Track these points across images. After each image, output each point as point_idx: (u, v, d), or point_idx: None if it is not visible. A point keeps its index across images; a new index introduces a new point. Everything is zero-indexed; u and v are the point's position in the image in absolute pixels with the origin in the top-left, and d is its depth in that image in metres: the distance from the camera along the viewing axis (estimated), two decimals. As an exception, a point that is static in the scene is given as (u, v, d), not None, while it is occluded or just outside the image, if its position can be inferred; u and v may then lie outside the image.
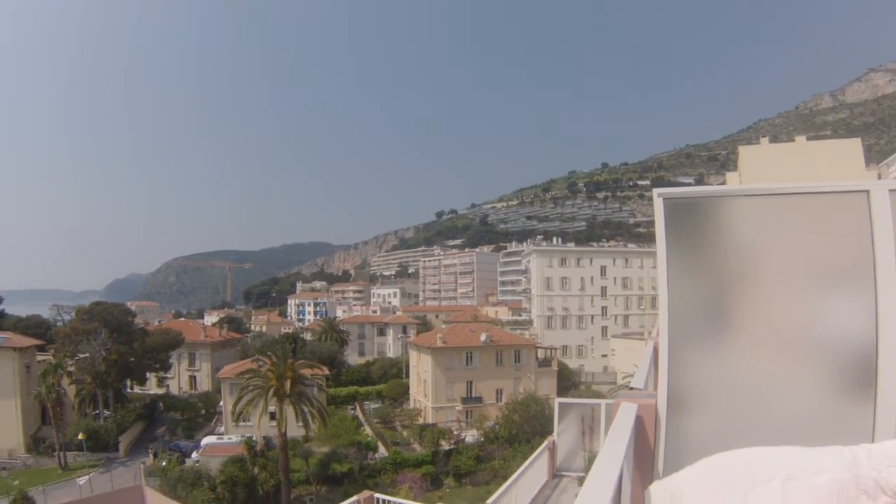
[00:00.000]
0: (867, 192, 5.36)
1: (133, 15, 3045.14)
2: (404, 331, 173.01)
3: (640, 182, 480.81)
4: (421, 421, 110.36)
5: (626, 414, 5.74)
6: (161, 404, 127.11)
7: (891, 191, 5.30)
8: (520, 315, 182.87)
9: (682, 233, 5.79)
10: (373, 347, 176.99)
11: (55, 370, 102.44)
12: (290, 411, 76.13)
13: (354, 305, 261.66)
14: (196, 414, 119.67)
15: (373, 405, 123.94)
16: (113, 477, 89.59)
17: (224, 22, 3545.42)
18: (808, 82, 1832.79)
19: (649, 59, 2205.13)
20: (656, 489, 4.81)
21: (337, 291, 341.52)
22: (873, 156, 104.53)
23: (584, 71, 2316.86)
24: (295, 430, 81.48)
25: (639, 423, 5.79)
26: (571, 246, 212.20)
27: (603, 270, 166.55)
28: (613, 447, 4.78)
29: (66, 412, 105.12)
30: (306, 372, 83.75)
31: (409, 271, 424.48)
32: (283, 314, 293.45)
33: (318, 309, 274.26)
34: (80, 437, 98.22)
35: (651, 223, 6.25)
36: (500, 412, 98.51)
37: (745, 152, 65.83)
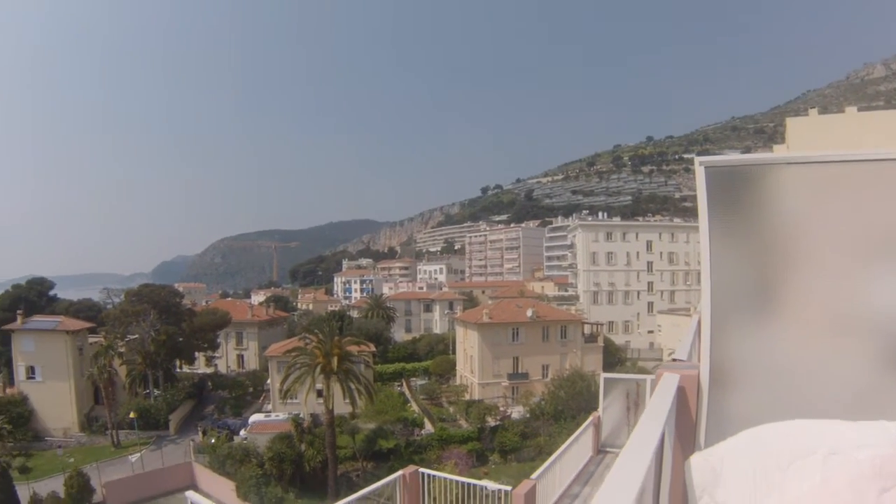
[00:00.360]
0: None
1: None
2: (451, 307, 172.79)
3: (685, 155, 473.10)
4: (467, 397, 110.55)
5: (667, 384, 5.65)
6: (209, 383, 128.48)
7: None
8: (566, 290, 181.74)
9: (725, 203, 5.65)
10: (419, 324, 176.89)
11: (106, 351, 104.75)
12: (336, 388, 76.37)
13: (401, 282, 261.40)
14: (244, 392, 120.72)
15: (419, 381, 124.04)
16: (163, 454, 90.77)
17: None
18: (860, 51, 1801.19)
19: (693, 31, 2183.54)
20: (696, 460, 4.74)
21: (383, 268, 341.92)
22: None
23: (628, 45, 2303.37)
24: (342, 406, 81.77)
25: (681, 394, 5.70)
26: (617, 220, 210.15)
27: (649, 245, 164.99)
28: (654, 416, 4.70)
29: (117, 392, 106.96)
30: (353, 349, 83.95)
31: (455, 247, 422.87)
32: (330, 292, 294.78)
33: (364, 286, 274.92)
34: (132, 415, 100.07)
35: (697, 197, 6.10)
36: (546, 388, 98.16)
37: (792, 124, 64.47)
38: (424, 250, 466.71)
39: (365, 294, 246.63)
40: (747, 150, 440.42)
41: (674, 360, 6.96)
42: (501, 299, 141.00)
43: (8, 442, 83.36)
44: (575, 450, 23.58)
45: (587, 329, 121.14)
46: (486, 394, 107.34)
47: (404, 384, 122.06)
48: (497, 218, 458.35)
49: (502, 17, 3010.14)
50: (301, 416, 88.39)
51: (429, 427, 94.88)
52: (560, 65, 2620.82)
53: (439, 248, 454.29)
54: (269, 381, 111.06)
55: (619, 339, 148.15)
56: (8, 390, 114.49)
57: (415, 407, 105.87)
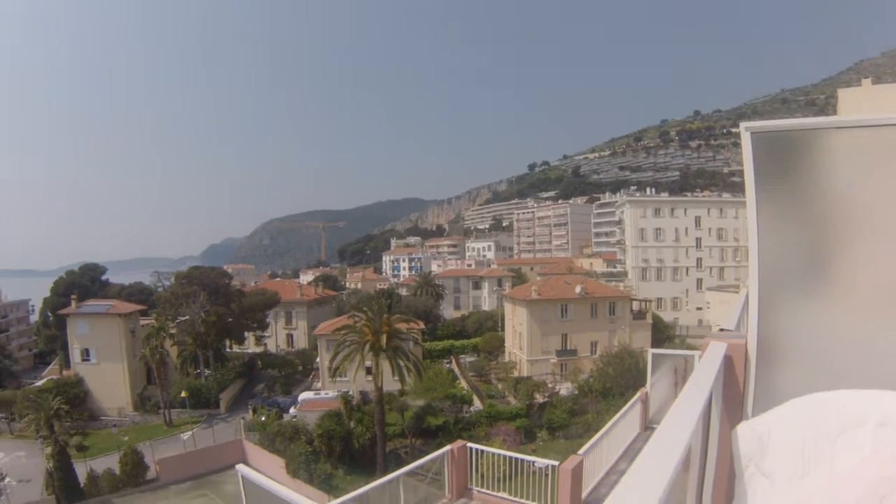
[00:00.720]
0: None
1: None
2: (499, 284, 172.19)
3: (733, 130, 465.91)
4: (516, 374, 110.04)
5: (714, 352, 5.56)
6: (259, 362, 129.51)
7: None
8: (614, 267, 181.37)
9: (773, 171, 5.51)
10: (468, 301, 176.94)
11: (158, 333, 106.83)
12: (385, 366, 76.53)
13: (449, 260, 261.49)
14: (293, 371, 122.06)
15: (468, 359, 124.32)
16: (214, 432, 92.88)
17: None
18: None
19: (740, 1, 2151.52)
20: (744, 430, 4.67)
21: (431, 246, 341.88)
22: None
23: (674, 18, 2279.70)
24: (391, 384, 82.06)
25: (727, 363, 5.61)
26: (665, 196, 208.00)
27: (697, 221, 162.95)
28: (700, 384, 4.62)
29: (169, 372, 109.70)
30: (402, 326, 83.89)
31: (503, 224, 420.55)
32: (378, 270, 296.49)
33: (412, 264, 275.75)
34: (183, 395, 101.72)
35: (743, 165, 5.90)
36: (595, 365, 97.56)
37: (844, 95, 63.29)
38: (472, 228, 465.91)
39: (413, 272, 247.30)
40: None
41: (721, 330, 6.84)
42: (550, 276, 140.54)
43: (65, 422, 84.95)
44: (622, 426, 23.51)
45: (635, 306, 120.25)
46: (534, 370, 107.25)
47: (453, 361, 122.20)
48: (545, 195, 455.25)
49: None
50: (350, 393, 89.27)
51: (477, 404, 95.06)
52: (605, 40, 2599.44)
53: (487, 226, 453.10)
54: (318, 359, 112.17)
55: (667, 315, 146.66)
56: (65, 372, 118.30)
57: (464, 384, 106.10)
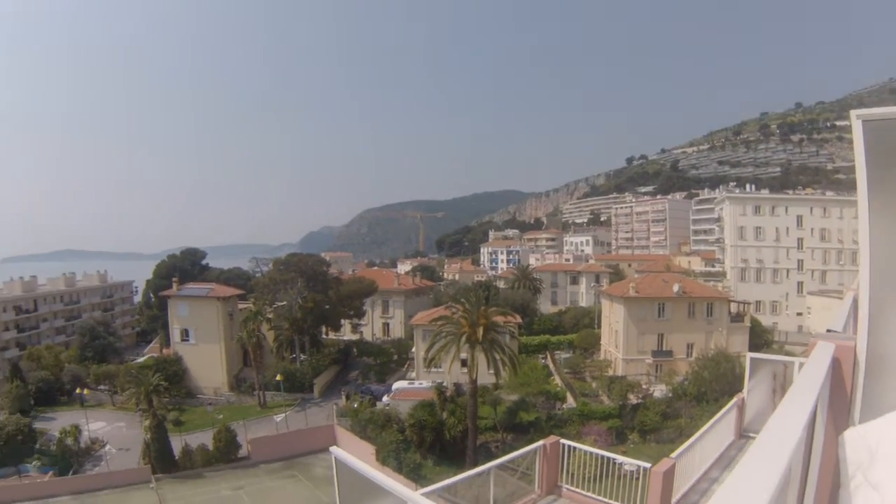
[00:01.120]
0: None
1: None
2: (597, 280, 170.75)
3: (838, 123, 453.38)
4: (610, 372, 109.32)
5: (822, 353, 5.26)
6: (355, 350, 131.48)
7: None
8: (713, 266, 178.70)
9: (888, 163, 5.19)
10: (565, 296, 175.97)
11: (255, 317, 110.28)
12: (481, 358, 76.54)
13: (547, 253, 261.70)
14: (388, 359, 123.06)
15: (563, 355, 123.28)
16: (307, 416, 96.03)
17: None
18: None
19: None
20: (851, 437, 4.40)
21: (529, 239, 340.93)
22: None
23: (774, 5, 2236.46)
24: (485, 377, 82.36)
25: (835, 366, 5.31)
26: (765, 193, 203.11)
27: (799, 220, 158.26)
28: (806, 386, 4.35)
29: (265, 355, 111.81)
30: (499, 319, 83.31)
31: (601, 219, 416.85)
32: (476, 262, 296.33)
33: (510, 257, 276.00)
34: (278, 378, 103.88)
35: (852, 169, 5.51)
36: (690, 367, 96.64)
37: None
38: (570, 221, 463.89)
39: (511, 265, 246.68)
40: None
41: (828, 331, 6.51)
42: (647, 273, 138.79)
43: (164, 397, 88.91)
44: (716, 432, 22.87)
45: (733, 308, 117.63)
46: (629, 370, 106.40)
47: (548, 357, 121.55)
48: (643, 189, 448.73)
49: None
50: (444, 384, 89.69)
51: (570, 401, 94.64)
52: (702, 31, 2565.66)
53: (585, 220, 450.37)
54: (413, 349, 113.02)
55: (765, 319, 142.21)
56: (164, 351, 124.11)
57: (558, 380, 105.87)
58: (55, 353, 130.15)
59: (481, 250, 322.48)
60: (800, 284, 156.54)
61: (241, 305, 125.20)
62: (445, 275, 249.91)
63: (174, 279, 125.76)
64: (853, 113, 5.37)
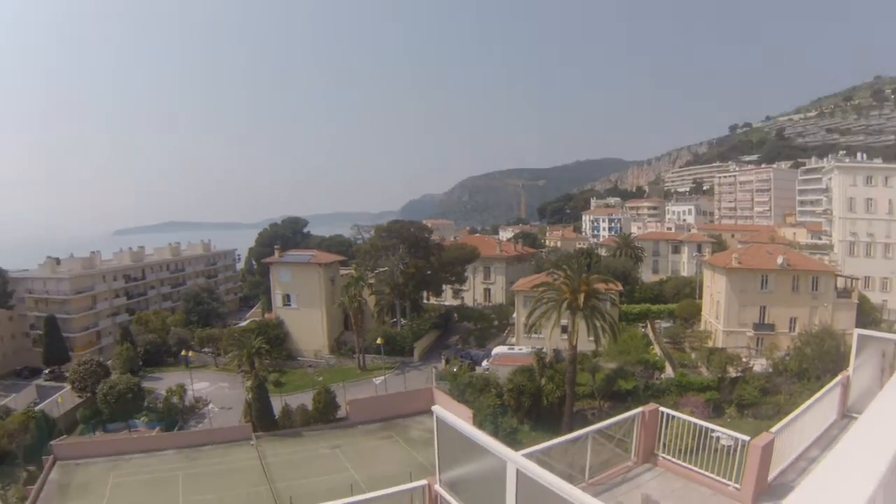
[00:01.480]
0: None
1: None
2: (699, 249, 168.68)
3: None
4: (710, 344, 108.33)
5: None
6: (455, 315, 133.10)
7: None
8: (819, 238, 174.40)
9: None
10: (667, 265, 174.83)
11: (356, 282, 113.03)
12: (581, 325, 76.72)
13: (649, 222, 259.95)
14: (489, 325, 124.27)
15: (664, 324, 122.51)
16: (406, 379, 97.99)
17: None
18: None
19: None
20: None
21: (631, 208, 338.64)
22: None
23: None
24: (585, 344, 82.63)
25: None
26: (878, 162, 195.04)
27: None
28: None
29: (366, 319, 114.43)
30: (600, 287, 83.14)
31: (704, 188, 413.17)
32: (578, 230, 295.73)
33: (612, 225, 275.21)
34: (379, 341, 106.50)
35: None
36: (792, 343, 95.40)
37: None
38: (672, 190, 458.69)
39: (612, 233, 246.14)
40: None
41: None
42: (751, 244, 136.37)
43: (265, 359, 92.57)
44: (818, 410, 22.26)
45: (840, 283, 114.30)
46: (729, 342, 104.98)
47: (648, 326, 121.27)
48: (747, 158, 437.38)
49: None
50: (544, 350, 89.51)
51: (669, 371, 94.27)
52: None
53: (687, 189, 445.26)
54: (514, 314, 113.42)
55: (874, 297, 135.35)
56: (266, 315, 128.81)
57: (657, 350, 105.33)
58: (162, 317, 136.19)
59: (583, 218, 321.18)
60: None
61: (343, 271, 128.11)
62: (547, 242, 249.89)
63: (276, 246, 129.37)
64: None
